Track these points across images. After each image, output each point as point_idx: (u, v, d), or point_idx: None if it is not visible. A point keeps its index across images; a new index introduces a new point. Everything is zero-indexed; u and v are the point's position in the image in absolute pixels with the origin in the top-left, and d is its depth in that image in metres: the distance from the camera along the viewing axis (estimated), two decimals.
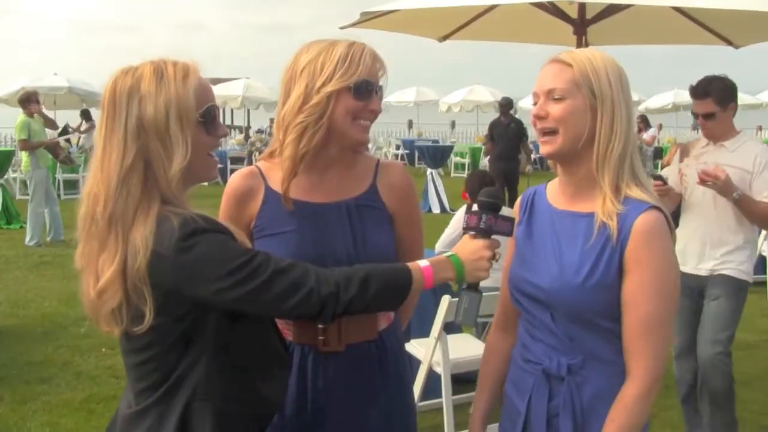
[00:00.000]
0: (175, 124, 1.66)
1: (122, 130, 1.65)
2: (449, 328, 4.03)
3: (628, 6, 5.26)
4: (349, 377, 2.03)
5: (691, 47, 6.66)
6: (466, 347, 4.33)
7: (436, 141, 22.99)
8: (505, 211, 1.97)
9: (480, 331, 5.07)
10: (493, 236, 1.89)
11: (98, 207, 1.65)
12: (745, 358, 5.73)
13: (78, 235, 1.71)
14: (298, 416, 2.02)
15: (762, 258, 7.53)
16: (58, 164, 12.98)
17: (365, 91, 1.96)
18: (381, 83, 2.02)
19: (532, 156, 20.29)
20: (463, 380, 4.29)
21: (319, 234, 2.01)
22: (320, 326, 1.98)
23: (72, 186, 14.60)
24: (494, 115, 14.22)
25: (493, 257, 1.87)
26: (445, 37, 6.61)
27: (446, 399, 3.98)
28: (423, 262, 1.83)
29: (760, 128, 29.78)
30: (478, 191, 2.08)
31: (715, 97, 3.91)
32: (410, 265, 1.81)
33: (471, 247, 1.87)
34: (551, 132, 1.84)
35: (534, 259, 1.92)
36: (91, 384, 5.08)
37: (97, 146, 1.69)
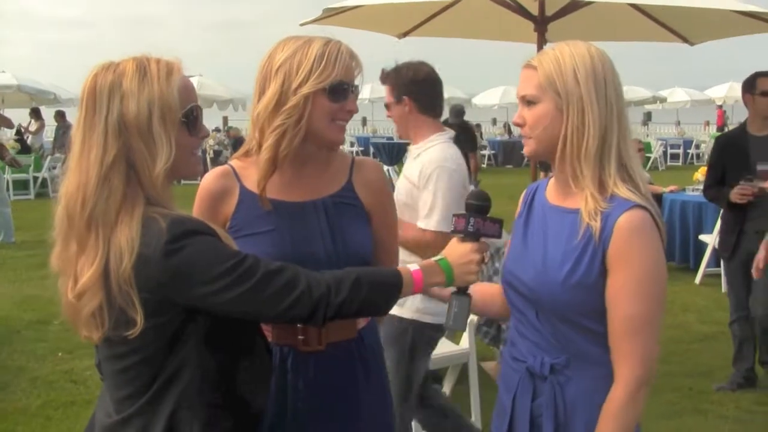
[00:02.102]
0: (158, 123, 1.60)
1: (102, 126, 1.59)
2: None
3: (587, 3, 5.34)
4: (330, 376, 2.01)
5: (646, 44, 6.77)
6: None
7: (390, 138, 22.98)
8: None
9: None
10: (482, 239, 1.87)
11: (77, 207, 1.59)
12: (703, 350, 5.85)
13: (54, 236, 1.64)
14: (279, 417, 1.99)
15: (716, 251, 7.60)
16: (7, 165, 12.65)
17: (341, 92, 1.94)
18: (357, 82, 2.00)
19: (486, 151, 20.19)
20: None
21: (296, 233, 1.98)
22: (300, 326, 1.94)
23: (22, 186, 14.22)
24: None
25: (482, 260, 1.86)
26: (404, 34, 6.61)
27: None
28: (413, 266, 1.80)
29: (707, 123, 30.37)
30: None
31: (390, 86, 3.26)
32: (400, 268, 1.80)
33: (460, 251, 1.85)
34: (529, 136, 1.84)
35: (524, 254, 1.90)
36: (47, 390, 4.93)
37: (74, 144, 1.63)
